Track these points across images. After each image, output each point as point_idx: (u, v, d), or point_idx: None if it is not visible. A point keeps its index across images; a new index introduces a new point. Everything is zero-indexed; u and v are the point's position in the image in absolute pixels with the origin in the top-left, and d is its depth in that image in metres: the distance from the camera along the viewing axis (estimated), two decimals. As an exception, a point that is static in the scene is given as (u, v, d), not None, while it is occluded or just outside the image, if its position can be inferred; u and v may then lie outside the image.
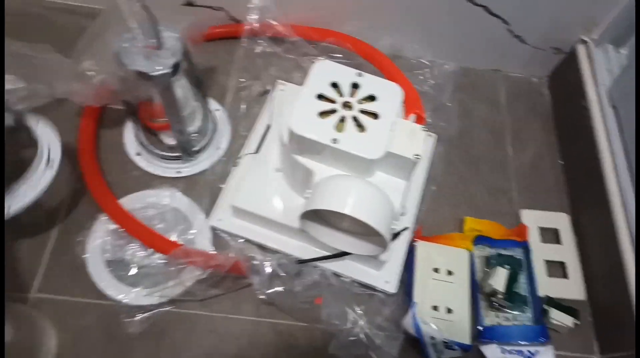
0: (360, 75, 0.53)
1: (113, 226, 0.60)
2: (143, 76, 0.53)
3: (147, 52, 0.53)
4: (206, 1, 0.77)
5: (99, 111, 0.69)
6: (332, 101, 0.52)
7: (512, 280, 0.58)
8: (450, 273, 0.59)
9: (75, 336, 0.56)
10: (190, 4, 0.77)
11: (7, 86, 0.68)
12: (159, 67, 0.52)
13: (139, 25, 0.53)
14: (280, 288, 0.55)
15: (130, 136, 0.69)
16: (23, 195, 0.54)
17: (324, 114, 0.51)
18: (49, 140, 0.59)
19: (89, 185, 0.63)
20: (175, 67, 0.55)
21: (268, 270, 0.55)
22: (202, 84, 0.68)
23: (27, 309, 0.57)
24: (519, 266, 0.61)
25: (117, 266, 0.59)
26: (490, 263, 0.61)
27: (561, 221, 0.68)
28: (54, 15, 0.78)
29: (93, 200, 0.62)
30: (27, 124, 0.59)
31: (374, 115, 0.51)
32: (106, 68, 0.56)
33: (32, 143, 0.59)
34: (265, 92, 0.74)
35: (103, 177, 0.64)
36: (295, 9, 0.74)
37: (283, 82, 0.72)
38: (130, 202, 0.63)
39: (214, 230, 0.62)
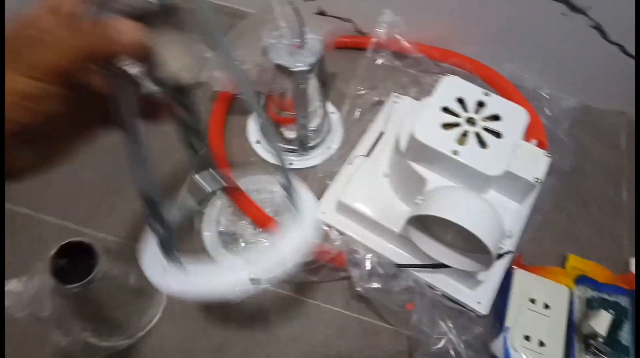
0: (487, 94, 0.55)
1: (229, 202, 0.66)
2: (284, 70, 0.59)
3: (291, 49, 0.59)
4: (336, 12, 0.83)
5: (230, 98, 0.76)
6: (457, 115, 0.54)
7: (615, 326, 0.56)
8: (547, 306, 0.58)
9: (183, 293, 0.62)
10: (322, 14, 0.83)
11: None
12: (299, 64, 0.58)
13: (288, 25, 0.59)
14: (377, 285, 0.57)
15: (253, 124, 0.75)
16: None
17: (447, 126, 0.53)
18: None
19: (215, 162, 0.70)
20: (313, 66, 0.60)
21: (368, 265, 0.57)
22: (326, 87, 0.73)
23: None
24: (624, 315, 0.58)
25: (228, 238, 0.64)
26: (593, 305, 0.59)
27: (676, 278, 0.64)
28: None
29: (216, 176, 0.68)
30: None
31: (497, 134, 0.52)
32: (250, 60, 0.63)
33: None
34: (380, 103, 0.77)
35: (226, 157, 0.71)
36: (422, 27, 0.77)
37: (399, 95, 0.75)
38: (245, 183, 0.68)
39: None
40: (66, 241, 0.54)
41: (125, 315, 0.59)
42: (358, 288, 0.57)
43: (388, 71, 0.78)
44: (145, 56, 0.26)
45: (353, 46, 0.83)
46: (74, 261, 0.56)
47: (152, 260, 0.38)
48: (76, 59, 0.24)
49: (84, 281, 0.51)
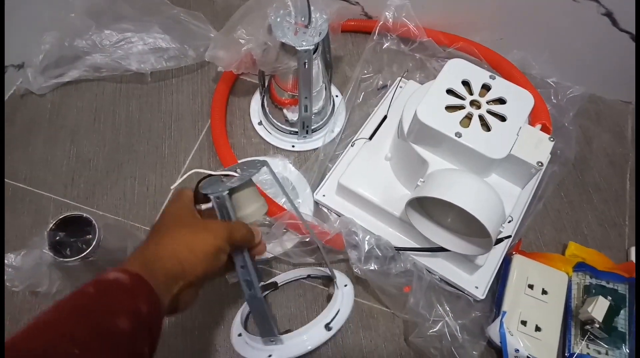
0: (492, 78, 0.54)
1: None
2: (287, 49, 0.58)
3: (297, 28, 0.58)
4: (343, -5, 0.82)
5: (234, 78, 0.76)
6: (461, 98, 0.53)
7: (612, 312, 0.55)
8: (544, 292, 0.58)
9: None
10: (328, -4, 0.82)
11: (162, 44, 0.77)
12: (304, 43, 0.57)
13: (294, 3, 0.58)
14: (374, 267, 0.57)
15: (256, 106, 0.75)
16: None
17: (451, 108, 0.53)
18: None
19: (215, 142, 0.69)
20: (318, 46, 0.60)
21: (366, 246, 0.57)
22: (331, 69, 0.72)
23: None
24: (622, 302, 0.58)
25: (228, 218, 0.64)
26: (591, 292, 0.58)
27: (676, 269, 0.64)
28: (208, -9, 0.87)
29: (216, 156, 0.68)
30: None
31: (502, 117, 0.52)
32: (255, 38, 0.62)
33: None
34: (384, 87, 0.77)
35: (228, 138, 0.70)
36: (429, 12, 0.76)
37: (404, 79, 0.75)
38: (247, 164, 0.68)
39: (316, 203, 0.66)
40: (64, 215, 0.54)
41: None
42: (356, 270, 0.57)
43: (394, 55, 0.78)
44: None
45: (360, 29, 0.82)
46: (72, 235, 0.56)
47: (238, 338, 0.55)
48: (245, 241, 0.42)
49: (82, 255, 0.52)
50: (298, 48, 0.57)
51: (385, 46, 0.77)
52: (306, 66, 0.59)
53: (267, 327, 0.50)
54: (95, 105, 0.75)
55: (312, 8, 0.58)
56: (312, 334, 0.53)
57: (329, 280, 0.60)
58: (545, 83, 0.74)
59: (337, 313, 0.54)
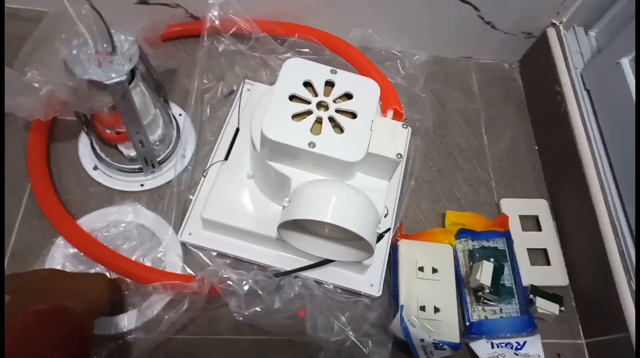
0: (334, 72, 0.50)
1: (72, 250, 0.55)
2: (96, 85, 0.49)
3: (100, 58, 0.48)
4: (161, -2, 0.72)
5: (48, 123, 0.63)
6: (306, 102, 0.49)
7: (497, 273, 0.57)
8: (435, 270, 0.58)
9: None
10: (144, 2, 0.71)
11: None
12: (114, 75, 0.48)
13: (89, 29, 0.48)
14: (258, 308, 0.51)
15: (85, 149, 0.63)
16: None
17: (298, 116, 0.48)
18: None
19: (42, 206, 0.57)
20: (132, 74, 0.51)
21: (245, 288, 0.51)
22: (162, 89, 0.63)
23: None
24: (503, 258, 0.60)
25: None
26: (475, 256, 0.60)
27: (540, 207, 0.68)
28: (-8, 20, 0.70)
29: (48, 222, 0.56)
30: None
31: (352, 114, 0.48)
32: (53, 78, 0.51)
33: None
34: (231, 93, 0.70)
35: (57, 196, 0.59)
36: (259, 3, 0.70)
37: (250, 81, 0.68)
38: (89, 222, 0.58)
39: (184, 245, 0.58)
40: None
41: None
42: (239, 318, 0.51)
43: (232, 56, 0.71)
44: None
45: (187, 34, 0.73)
46: None
47: None
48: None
49: None
50: (107, 82, 0.47)
51: (220, 48, 0.69)
52: (124, 99, 0.50)
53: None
54: None
55: (112, 31, 0.48)
56: None
57: None
58: (390, 54, 0.74)
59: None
